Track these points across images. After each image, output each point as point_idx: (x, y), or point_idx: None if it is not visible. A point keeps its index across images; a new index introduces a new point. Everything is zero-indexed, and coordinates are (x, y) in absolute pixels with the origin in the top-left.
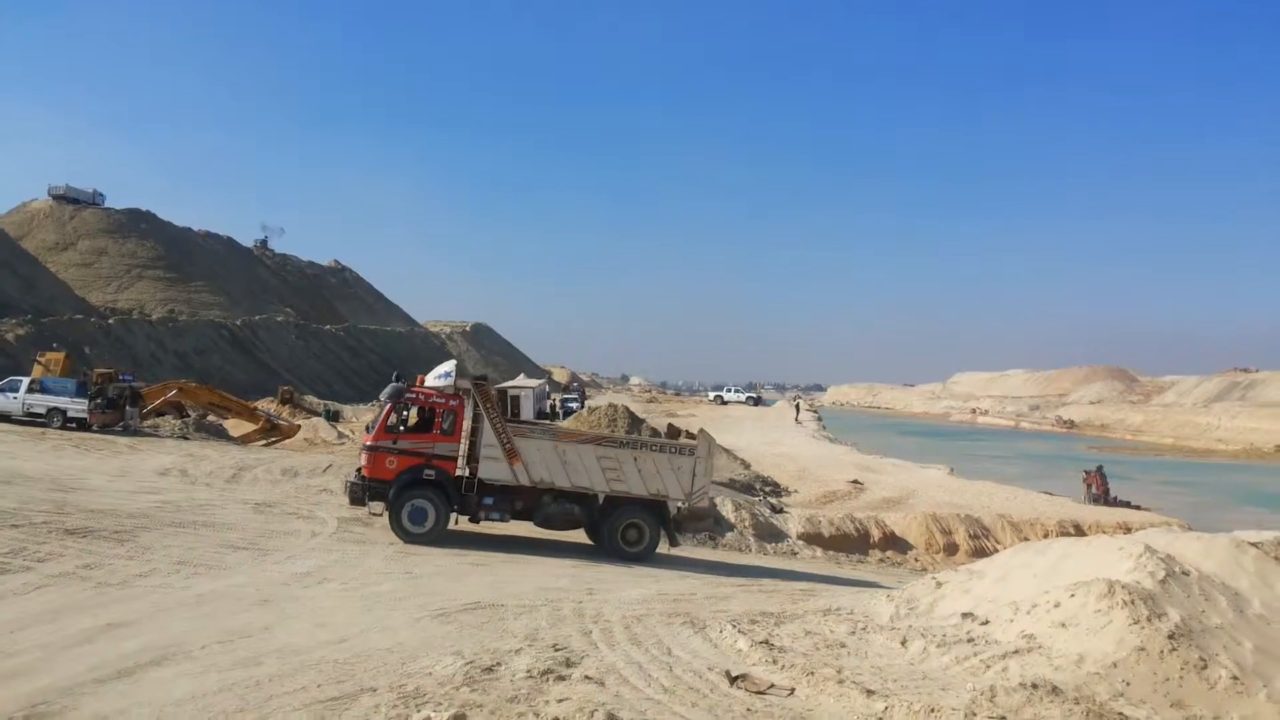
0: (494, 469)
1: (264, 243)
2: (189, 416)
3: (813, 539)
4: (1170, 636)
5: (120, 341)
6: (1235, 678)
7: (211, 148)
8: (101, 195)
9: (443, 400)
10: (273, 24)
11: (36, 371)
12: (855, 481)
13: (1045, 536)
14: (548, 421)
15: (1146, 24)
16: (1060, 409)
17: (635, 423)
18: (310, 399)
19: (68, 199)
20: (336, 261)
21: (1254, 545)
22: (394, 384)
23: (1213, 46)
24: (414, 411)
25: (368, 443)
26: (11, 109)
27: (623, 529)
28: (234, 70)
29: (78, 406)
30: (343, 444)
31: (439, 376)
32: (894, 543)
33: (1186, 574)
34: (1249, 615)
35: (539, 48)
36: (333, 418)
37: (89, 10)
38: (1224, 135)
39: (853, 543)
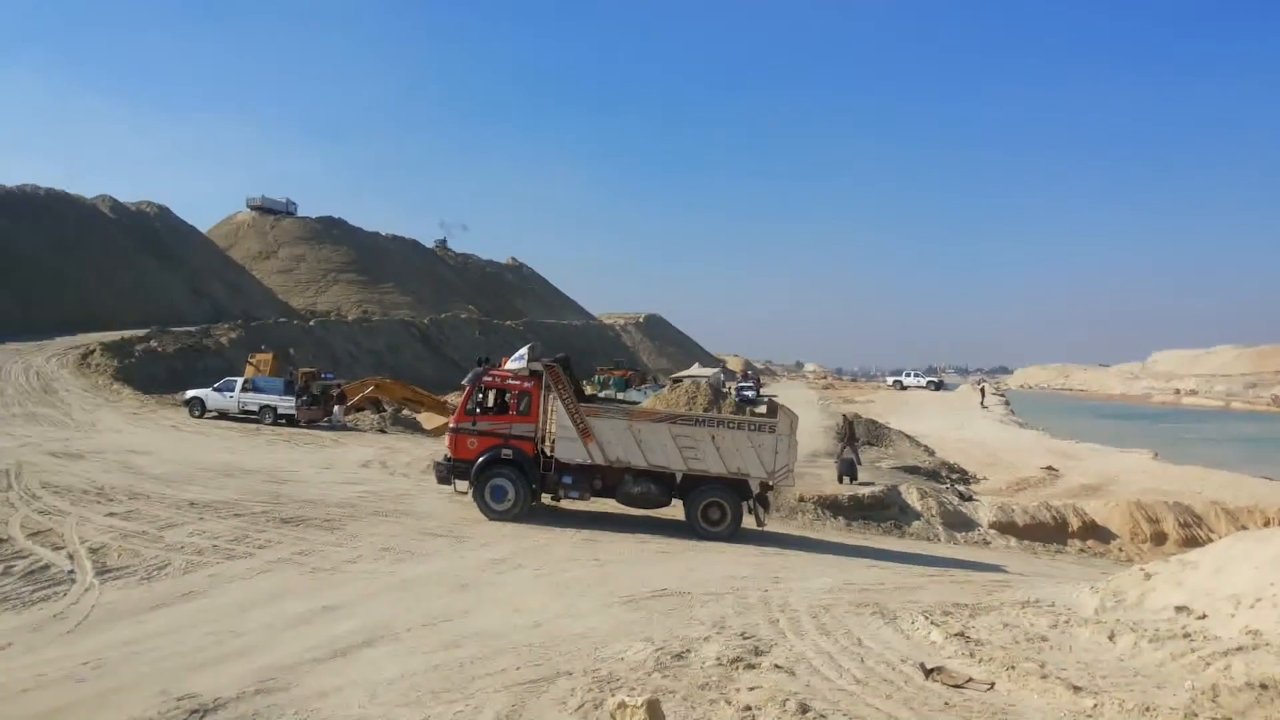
0: (569, 449)
1: (444, 242)
2: (385, 411)
3: (1005, 528)
4: None
5: (321, 342)
6: None
7: (392, 156)
8: (294, 204)
9: (517, 382)
10: (443, 31)
11: (248, 372)
12: (1049, 468)
13: (1266, 525)
14: (626, 401)
15: None
16: (1278, 387)
17: (719, 399)
18: None
19: (264, 209)
20: (514, 259)
21: None
22: (476, 368)
23: None
24: (491, 394)
25: (451, 425)
26: (211, 127)
27: (704, 507)
28: (409, 80)
29: (286, 404)
30: None
31: (515, 359)
32: (1095, 532)
33: None
34: None
35: (707, 29)
36: None
37: (272, 33)
38: None
39: (1049, 532)
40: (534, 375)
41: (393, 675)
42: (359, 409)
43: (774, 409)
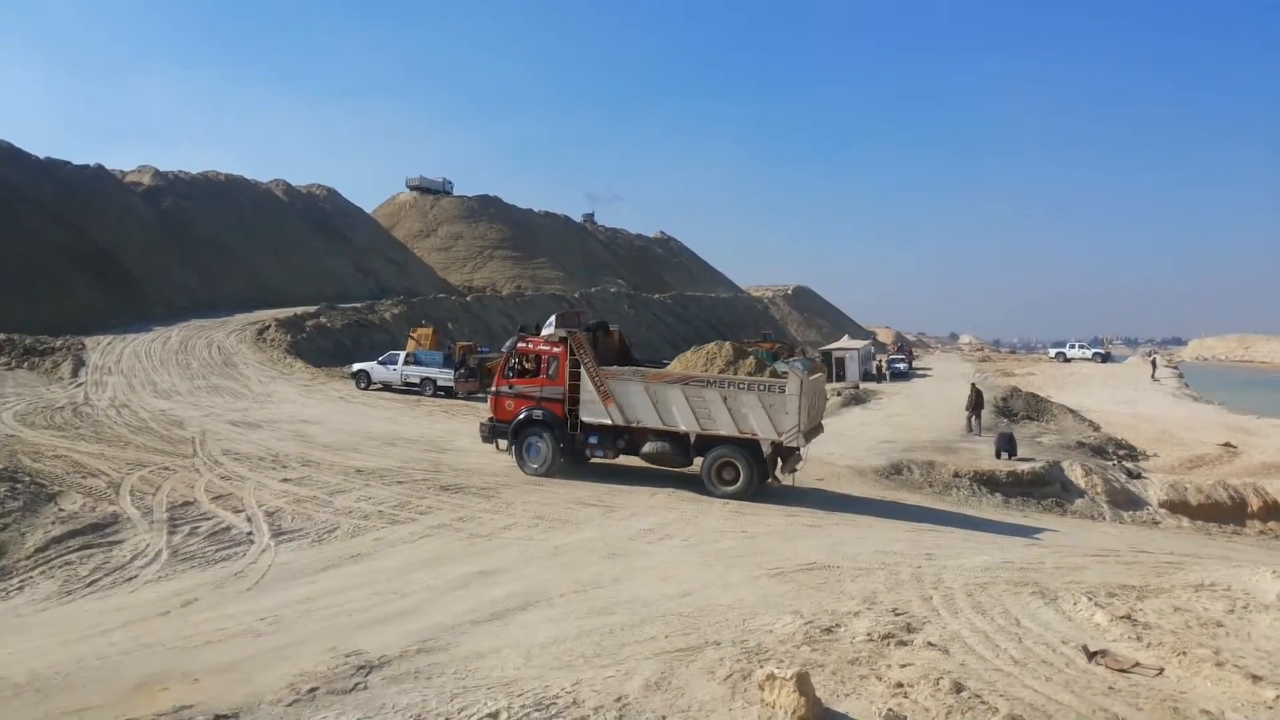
0: (592, 410)
1: (592, 216)
2: None
3: (1177, 507)
4: None
5: (477, 317)
6: None
7: (546, 134)
8: (450, 184)
9: (547, 348)
10: (596, 4)
11: (410, 346)
12: (1227, 444)
13: None
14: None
15: None
16: None
17: (739, 359)
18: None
19: (423, 189)
20: (662, 233)
21: None
22: (514, 336)
23: None
24: (526, 360)
25: (492, 389)
26: (374, 112)
27: (718, 468)
28: (564, 57)
29: (446, 376)
30: None
31: (547, 327)
32: (1277, 513)
33: None
34: None
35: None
36: None
37: (430, 16)
38: None
39: (1226, 512)
40: (562, 341)
41: (546, 639)
42: None
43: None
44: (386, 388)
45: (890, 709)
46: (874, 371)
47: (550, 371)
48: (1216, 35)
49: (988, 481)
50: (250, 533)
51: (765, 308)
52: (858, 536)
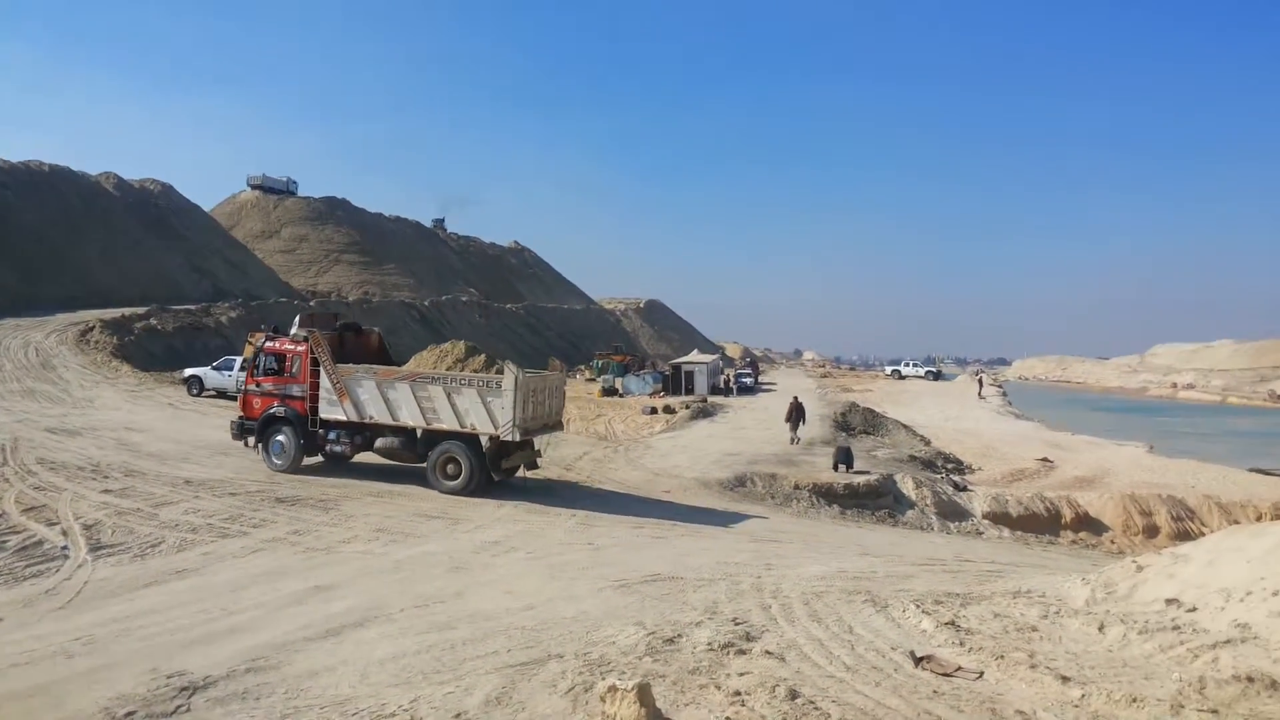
0: (330, 407)
1: (442, 221)
2: None
3: (999, 518)
4: None
5: None
6: None
7: (396, 137)
8: (294, 183)
9: (291, 347)
10: (447, 9)
11: (247, 351)
12: (1045, 459)
13: (1259, 520)
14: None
15: None
16: (1274, 383)
17: (471, 355)
18: None
19: (264, 188)
20: (516, 243)
21: None
22: (265, 337)
23: None
24: (273, 359)
25: (243, 387)
26: (215, 106)
27: (442, 463)
28: (412, 61)
29: None
30: None
31: (294, 326)
32: (1088, 524)
33: None
34: None
35: (724, 14)
36: None
37: (274, 9)
38: None
39: (1043, 523)
40: (305, 340)
41: (384, 655)
42: None
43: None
44: (221, 395)
45: (728, 717)
46: (722, 385)
47: (293, 370)
48: (1042, 52)
49: (826, 493)
50: (65, 547)
51: (617, 320)
52: (702, 548)
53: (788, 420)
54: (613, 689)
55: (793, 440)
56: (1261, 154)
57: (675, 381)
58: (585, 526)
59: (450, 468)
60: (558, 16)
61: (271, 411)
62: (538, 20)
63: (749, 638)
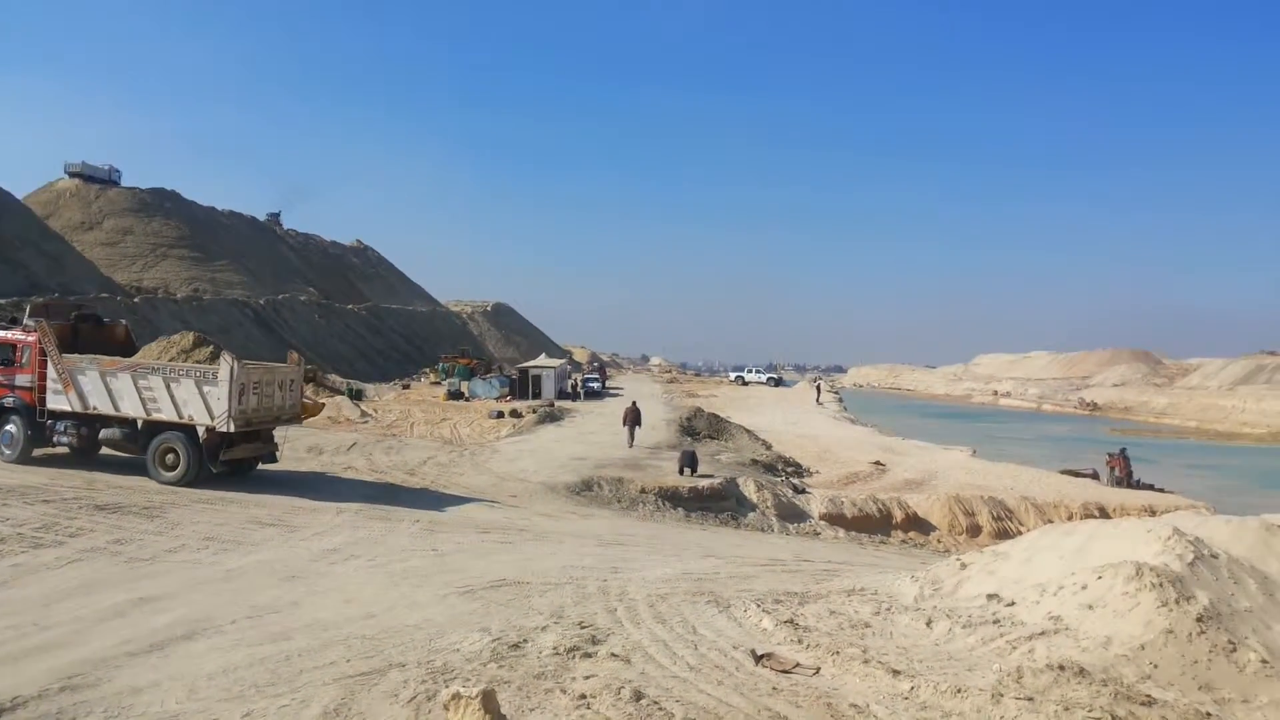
0: (57, 398)
1: (277, 216)
2: None
3: (835, 520)
4: (1199, 619)
5: (146, 320)
6: (1265, 661)
7: (231, 127)
8: (118, 172)
9: (21, 337)
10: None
11: None
12: (877, 463)
13: (1070, 519)
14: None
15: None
16: (1083, 391)
17: (199, 347)
18: (333, 378)
19: (84, 176)
20: (359, 241)
21: None
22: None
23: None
24: (5, 350)
25: None
26: (30, 82)
27: (161, 454)
28: (253, 50)
29: None
30: (366, 422)
31: (28, 317)
32: (917, 524)
33: (1215, 557)
34: (1279, 599)
35: (564, 22)
36: (356, 396)
37: None
38: (1251, 121)
39: (875, 524)
40: (34, 331)
41: (214, 669)
42: None
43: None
44: None
45: None
46: (569, 390)
47: (23, 360)
48: (864, 51)
49: (671, 497)
50: None
51: (464, 323)
52: (548, 552)
53: (625, 424)
54: (456, 696)
55: (630, 443)
56: (1076, 165)
57: (523, 386)
58: (429, 532)
59: (169, 458)
60: (405, 9)
61: (1, 402)
62: (384, 11)
63: (595, 641)
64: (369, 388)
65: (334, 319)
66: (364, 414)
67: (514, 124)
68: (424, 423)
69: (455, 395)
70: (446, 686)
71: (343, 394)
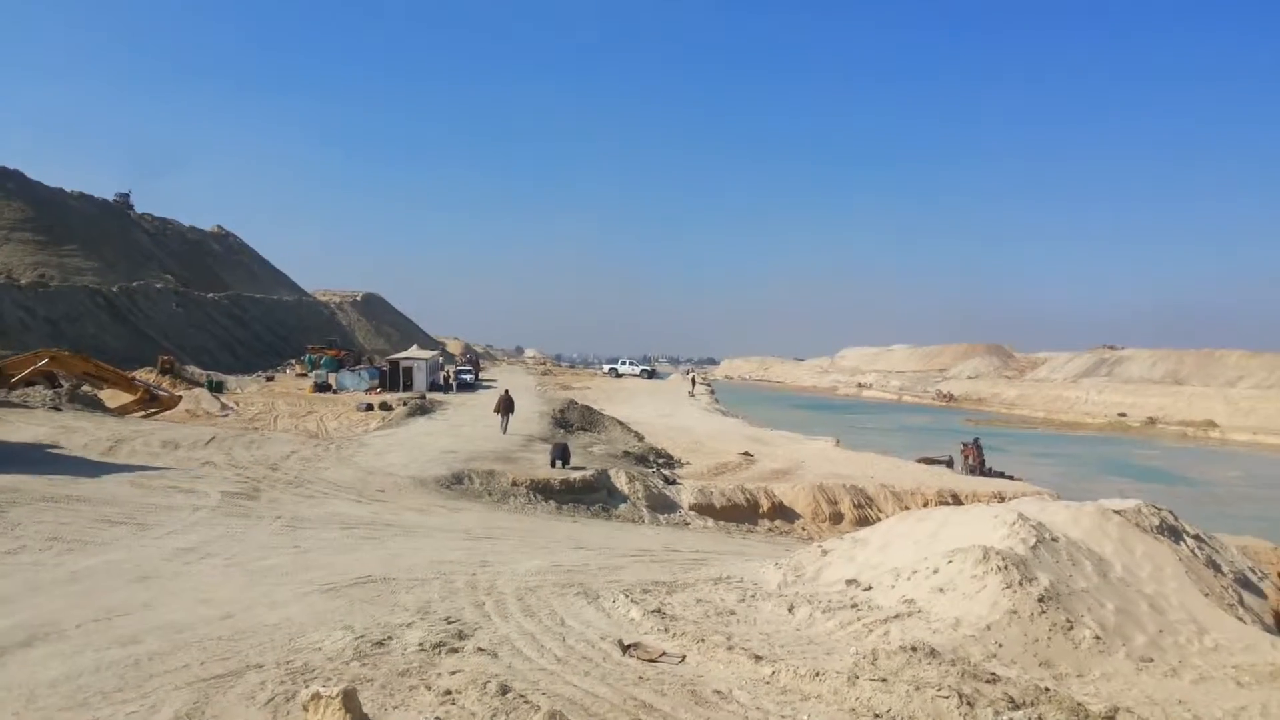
0: None
1: (127, 196)
2: (62, 387)
3: (704, 509)
4: (1040, 600)
5: None
6: (1098, 637)
7: (80, 106)
8: None
9: None
10: None
11: None
12: (746, 453)
13: (925, 505)
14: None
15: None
16: (940, 383)
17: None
18: (192, 369)
19: None
20: (220, 227)
21: (1117, 513)
22: None
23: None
24: None
25: None
26: None
27: None
28: (111, 25)
29: None
30: (226, 416)
31: None
32: (782, 512)
33: (1055, 540)
34: (1111, 579)
35: (436, 11)
36: (216, 388)
37: None
38: (1103, 119)
39: (743, 513)
40: None
41: (56, 676)
42: (29, 383)
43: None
44: None
45: (438, 717)
46: (441, 382)
47: None
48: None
49: (542, 489)
50: None
51: (332, 313)
52: (415, 547)
53: (497, 411)
54: (316, 696)
55: (503, 430)
56: (932, 159)
57: (393, 378)
58: (291, 529)
59: None
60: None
61: None
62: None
63: (461, 636)
64: (230, 380)
65: (193, 308)
66: (224, 407)
67: (382, 112)
68: (288, 416)
69: (322, 387)
70: (306, 687)
71: (202, 386)
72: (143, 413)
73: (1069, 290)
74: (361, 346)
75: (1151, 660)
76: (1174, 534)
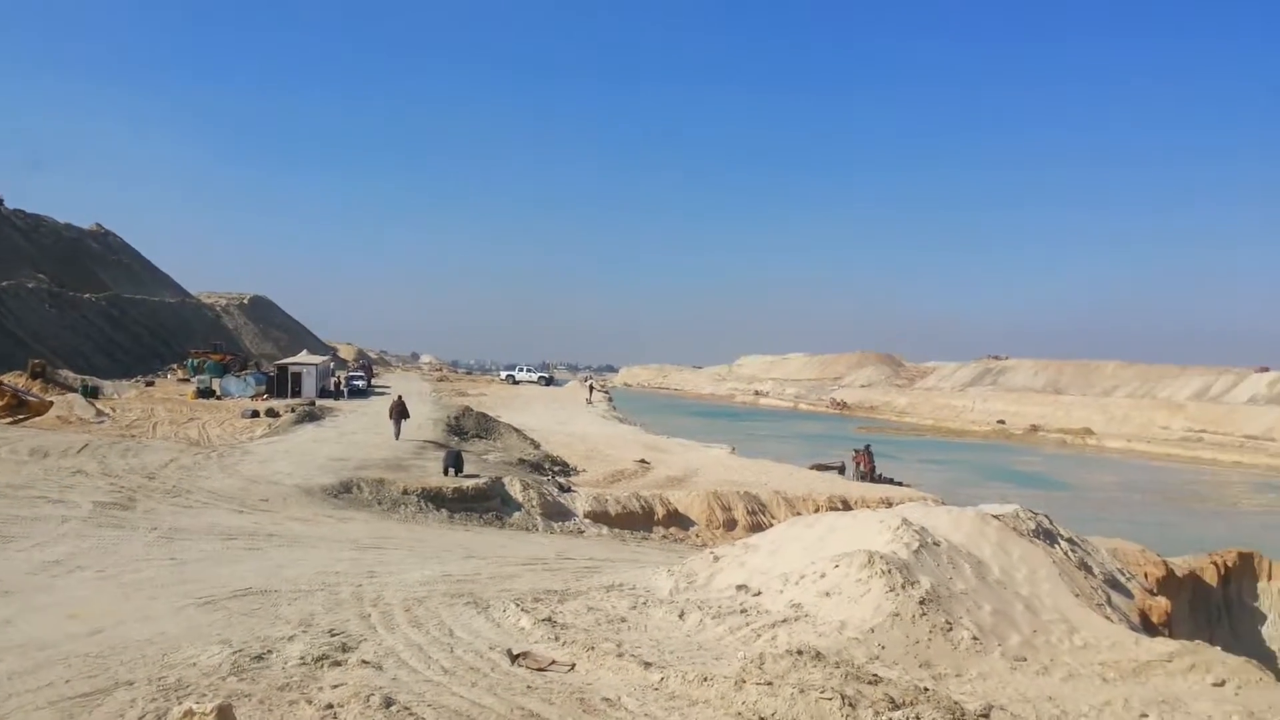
0: None
1: None
2: None
3: (599, 517)
4: (921, 602)
5: None
6: (975, 638)
7: None
8: None
9: None
10: None
11: None
12: (643, 461)
13: (817, 511)
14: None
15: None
16: (835, 392)
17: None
18: (65, 373)
19: None
20: (99, 225)
21: (996, 518)
22: None
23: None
24: None
25: None
26: None
27: None
28: None
29: None
30: (102, 422)
31: None
32: (677, 519)
33: (938, 545)
34: (989, 581)
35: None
36: (91, 394)
37: None
38: (992, 129)
39: (638, 520)
40: None
41: None
42: None
43: None
44: None
45: None
46: (332, 388)
47: None
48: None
49: (434, 498)
50: None
51: (218, 316)
52: (299, 558)
53: (390, 417)
54: (189, 714)
55: (396, 435)
56: (823, 169)
57: (281, 383)
58: (168, 540)
59: None
60: None
61: None
62: None
63: (345, 648)
64: (107, 384)
65: (68, 309)
66: (100, 413)
67: (274, 111)
68: (169, 423)
69: (205, 393)
70: (179, 704)
71: (76, 391)
72: (9, 419)
73: (958, 301)
74: (248, 351)
75: (1025, 659)
76: (1049, 537)
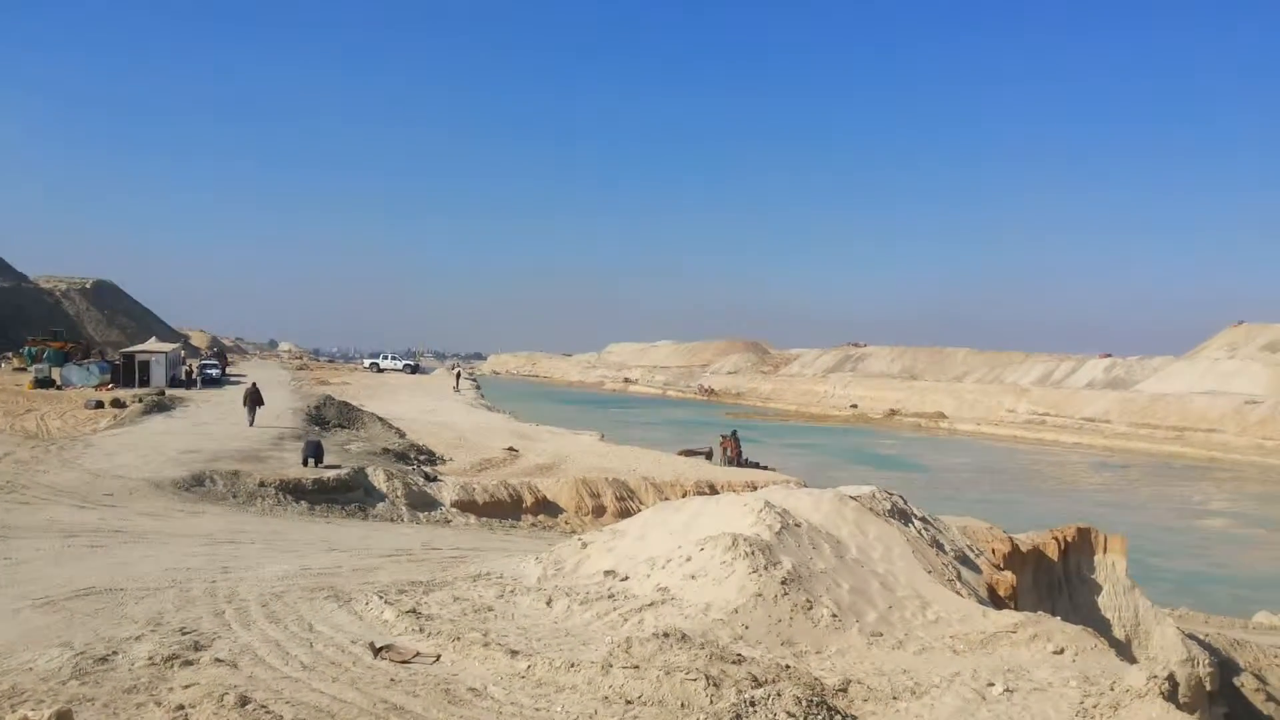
0: None
1: None
2: None
3: (467, 506)
4: (783, 582)
5: None
6: (834, 615)
7: None
8: None
9: None
10: None
11: None
12: (511, 449)
13: (684, 496)
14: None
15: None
16: (702, 379)
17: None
18: None
19: None
20: None
21: (854, 499)
22: None
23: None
24: None
25: None
26: None
27: None
28: None
29: None
30: None
31: None
32: (546, 507)
33: (799, 525)
34: (847, 560)
35: None
36: None
37: None
38: (883, 129)
39: (506, 509)
40: None
41: None
42: None
43: None
44: None
45: None
46: (183, 377)
47: None
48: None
49: (293, 489)
50: None
51: (57, 302)
52: (147, 555)
53: (245, 405)
54: None
55: (250, 423)
56: (685, 162)
57: (127, 372)
58: (1, 539)
59: None
60: None
61: None
62: None
63: (198, 647)
64: None
65: None
66: None
67: (108, 70)
68: (3, 415)
69: (44, 383)
70: (13, 711)
71: None
72: None
73: (820, 289)
74: (91, 338)
75: (881, 634)
76: (904, 517)
